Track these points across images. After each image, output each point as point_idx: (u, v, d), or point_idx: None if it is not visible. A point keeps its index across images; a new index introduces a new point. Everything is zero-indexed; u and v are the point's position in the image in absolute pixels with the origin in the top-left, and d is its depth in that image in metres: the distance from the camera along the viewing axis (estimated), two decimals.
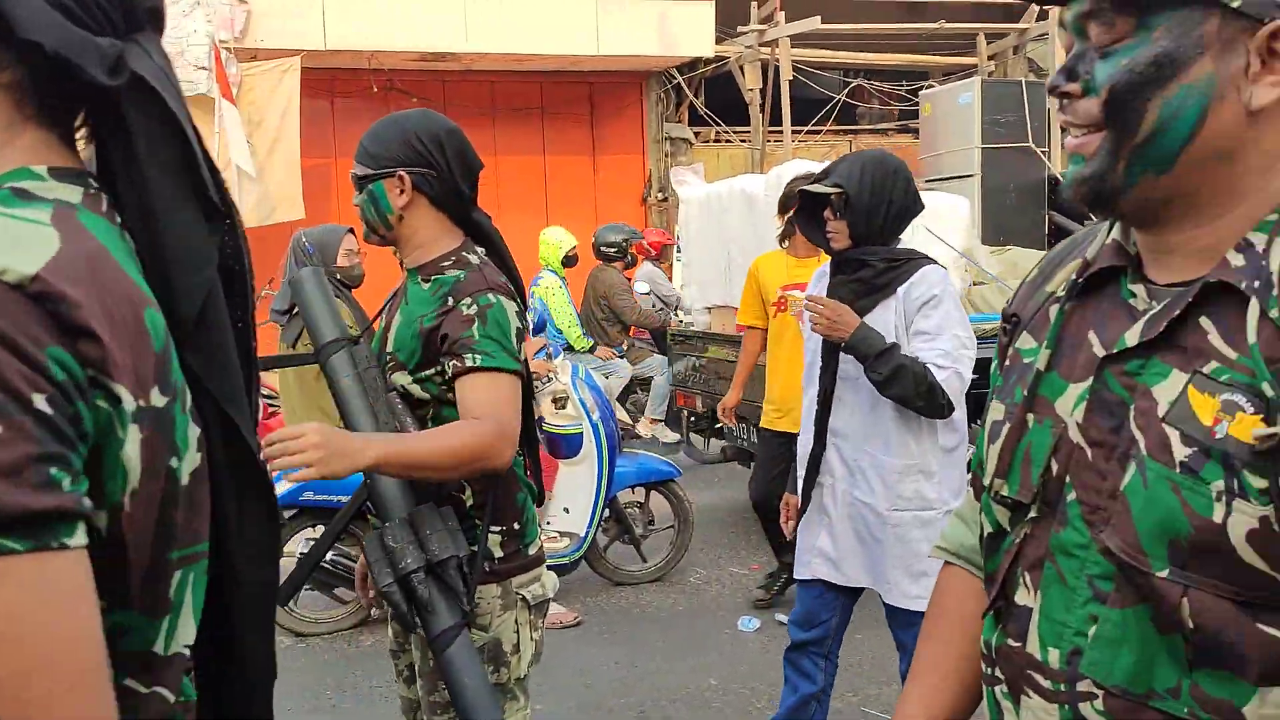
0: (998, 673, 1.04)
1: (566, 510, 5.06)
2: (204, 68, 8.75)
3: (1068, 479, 0.98)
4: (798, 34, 10.34)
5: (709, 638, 4.59)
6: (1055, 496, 0.99)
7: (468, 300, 2.03)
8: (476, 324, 2.00)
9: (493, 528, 2.10)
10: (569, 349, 7.50)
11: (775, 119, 10.68)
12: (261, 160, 9.12)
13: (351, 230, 4.65)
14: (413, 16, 9.40)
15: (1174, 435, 0.89)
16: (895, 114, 12.25)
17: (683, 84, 11.39)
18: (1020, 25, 11.84)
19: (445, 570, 1.92)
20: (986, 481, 1.07)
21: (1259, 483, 0.84)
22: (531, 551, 2.20)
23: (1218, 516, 0.86)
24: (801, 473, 3.01)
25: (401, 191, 2.07)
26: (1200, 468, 0.87)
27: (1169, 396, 0.90)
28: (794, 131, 10.80)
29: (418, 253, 2.14)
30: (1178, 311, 0.91)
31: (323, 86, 9.98)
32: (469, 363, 1.99)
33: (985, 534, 1.10)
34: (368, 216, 2.13)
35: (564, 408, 5.06)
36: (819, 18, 10.15)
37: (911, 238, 6.50)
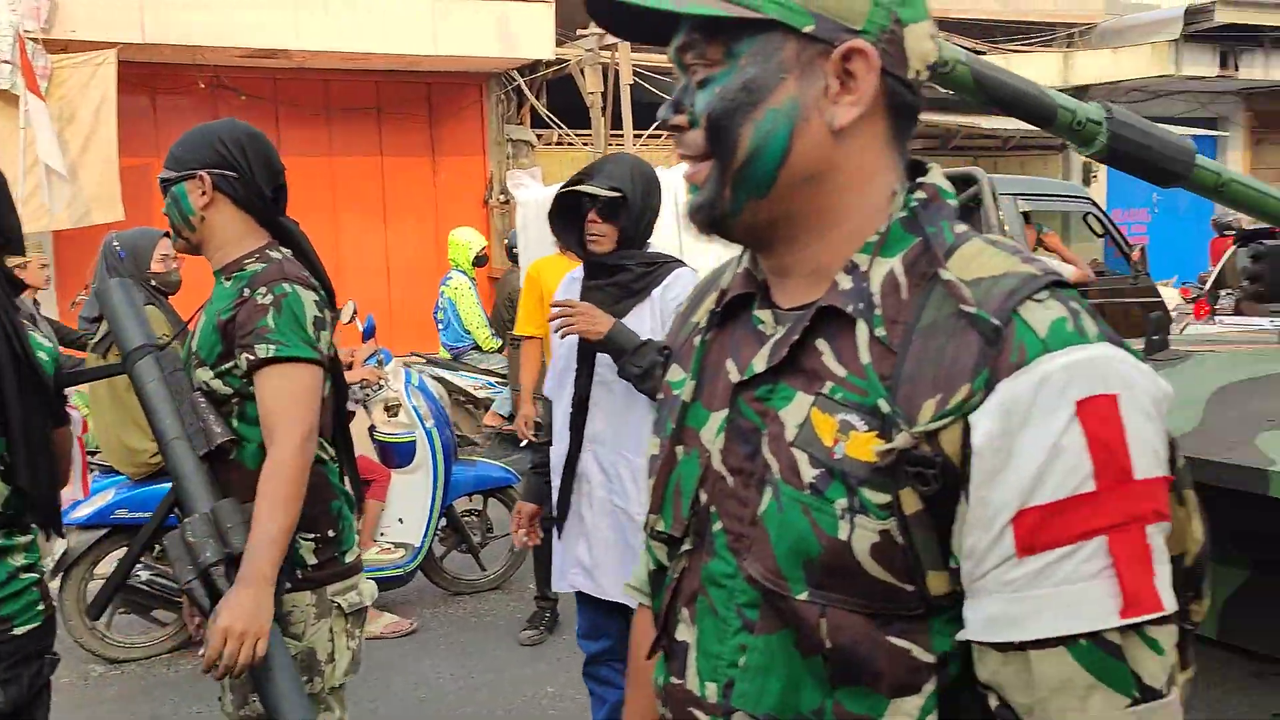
0: (667, 713, 1.03)
1: (401, 520, 4.94)
2: (8, 61, 8.21)
3: (713, 509, 0.98)
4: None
5: (547, 646, 4.56)
6: (704, 527, 0.99)
7: (263, 290, 2.03)
8: (271, 312, 2.01)
9: (305, 535, 2.08)
10: (477, 349, 7.42)
11: (617, 122, 10.73)
12: (74, 158, 8.61)
13: (168, 234, 4.43)
14: (239, 11, 9.04)
15: (802, 458, 0.90)
16: None
17: (523, 86, 11.32)
18: None
19: None
20: (644, 519, 1.08)
21: (879, 498, 0.86)
22: (349, 559, 2.19)
23: (843, 534, 0.87)
24: (557, 482, 2.93)
25: (203, 193, 2.10)
26: (826, 488, 0.88)
27: (796, 420, 0.92)
28: (635, 135, 10.87)
29: (221, 253, 2.15)
30: (796, 336, 0.93)
31: (143, 82, 9.49)
32: (261, 353, 1.99)
33: (651, 572, 1.10)
34: (172, 218, 2.16)
35: (396, 415, 4.95)
36: None
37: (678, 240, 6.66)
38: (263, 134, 2.18)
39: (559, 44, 10.68)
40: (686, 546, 1.01)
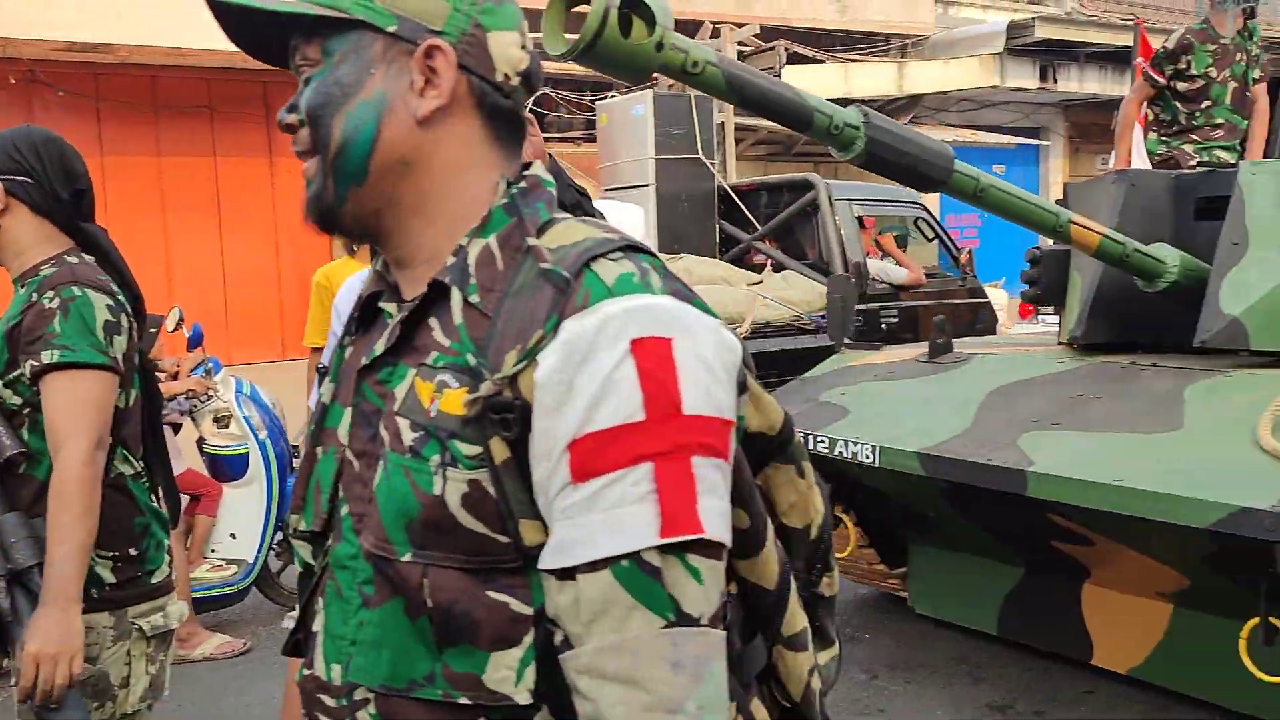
0: (304, 709, 1.05)
1: (233, 535, 4.76)
2: None
3: (342, 495, 1.02)
4: None
5: None
6: (336, 516, 1.03)
7: (50, 294, 1.97)
8: (58, 317, 1.94)
9: (103, 553, 1.99)
10: None
11: None
12: None
13: None
14: (55, 1, 8.55)
15: (404, 424, 0.95)
16: (582, 123, 12.50)
17: None
18: (696, 40, 12.42)
19: (30, 579, 1.88)
20: (288, 522, 1.11)
21: (469, 450, 0.90)
22: (155, 580, 2.11)
23: (438, 489, 0.92)
24: None
25: None
26: (423, 448, 0.93)
27: (403, 391, 0.97)
28: None
29: (19, 261, 2.09)
30: (406, 314, 1.00)
31: None
32: (46, 359, 1.92)
33: (299, 574, 1.13)
34: None
35: (227, 427, 4.76)
36: None
37: None
38: (60, 138, 2.14)
39: None
40: (330, 542, 1.04)
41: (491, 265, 0.97)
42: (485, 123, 1.02)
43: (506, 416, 0.89)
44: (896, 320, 7.15)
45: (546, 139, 12.46)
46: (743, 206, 7.76)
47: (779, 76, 12.29)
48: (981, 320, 7.66)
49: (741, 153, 13.07)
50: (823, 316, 6.47)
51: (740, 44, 12.22)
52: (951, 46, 13.83)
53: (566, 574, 0.86)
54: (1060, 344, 4.08)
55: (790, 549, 1.07)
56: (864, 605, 4.83)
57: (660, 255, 5.35)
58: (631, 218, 6.65)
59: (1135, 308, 3.76)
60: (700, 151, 7.78)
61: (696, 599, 0.85)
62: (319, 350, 4.22)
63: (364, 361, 1.02)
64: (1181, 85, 5.11)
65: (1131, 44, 14.26)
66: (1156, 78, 5.19)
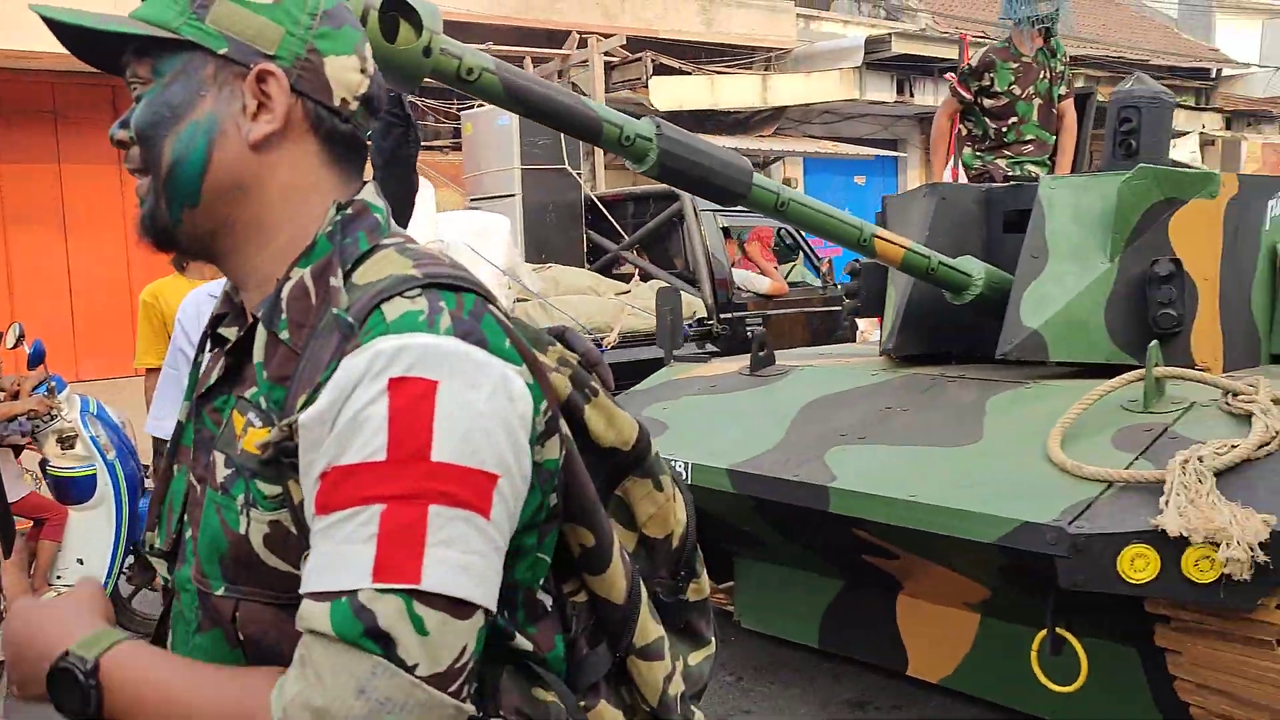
0: None
1: (80, 561, 4.55)
2: None
3: (187, 517, 1.03)
4: None
5: None
6: (184, 538, 1.04)
7: None
8: None
9: None
10: None
11: None
12: None
13: None
14: None
15: (220, 459, 0.97)
16: (449, 131, 12.39)
17: None
18: (563, 51, 12.45)
19: None
20: (145, 539, 1.13)
21: (269, 490, 0.92)
22: None
23: (243, 529, 0.93)
24: None
25: None
26: (232, 486, 0.95)
27: (225, 424, 0.99)
28: None
29: None
30: (229, 345, 1.02)
31: None
32: None
33: (162, 592, 1.14)
34: None
35: (72, 447, 4.56)
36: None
37: (456, 256, 6.63)
38: None
39: None
40: (178, 562, 1.05)
41: (305, 299, 0.96)
42: (322, 147, 1.02)
43: (295, 460, 0.89)
44: (761, 328, 7.30)
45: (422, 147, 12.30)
46: (610, 217, 7.82)
47: (645, 87, 12.43)
48: (841, 328, 7.89)
49: (609, 162, 13.17)
50: (689, 325, 6.57)
51: (607, 54, 12.31)
52: (813, 60, 14.21)
53: (304, 598, 0.86)
54: (880, 355, 4.13)
55: (653, 558, 1.11)
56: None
57: (529, 264, 5.35)
58: (498, 227, 6.62)
59: (947, 320, 3.77)
60: (566, 162, 7.81)
61: (412, 648, 0.83)
62: (155, 370, 3.91)
63: (201, 390, 1.04)
64: (988, 102, 5.17)
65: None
66: (963, 93, 5.26)
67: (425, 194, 6.47)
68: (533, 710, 0.96)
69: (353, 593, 0.83)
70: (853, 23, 15.74)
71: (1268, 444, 2.58)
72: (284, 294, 0.97)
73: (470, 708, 0.87)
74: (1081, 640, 2.70)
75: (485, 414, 0.88)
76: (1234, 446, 2.54)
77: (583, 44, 12.21)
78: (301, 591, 0.87)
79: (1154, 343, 2.95)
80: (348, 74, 1.03)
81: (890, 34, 14.01)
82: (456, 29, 12.05)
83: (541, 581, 1.00)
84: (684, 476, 3.40)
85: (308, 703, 0.82)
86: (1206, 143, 18.61)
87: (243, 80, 0.99)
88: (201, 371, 1.09)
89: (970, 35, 16.27)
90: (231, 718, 0.87)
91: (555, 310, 6.20)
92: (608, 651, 1.06)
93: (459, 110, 11.76)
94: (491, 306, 0.96)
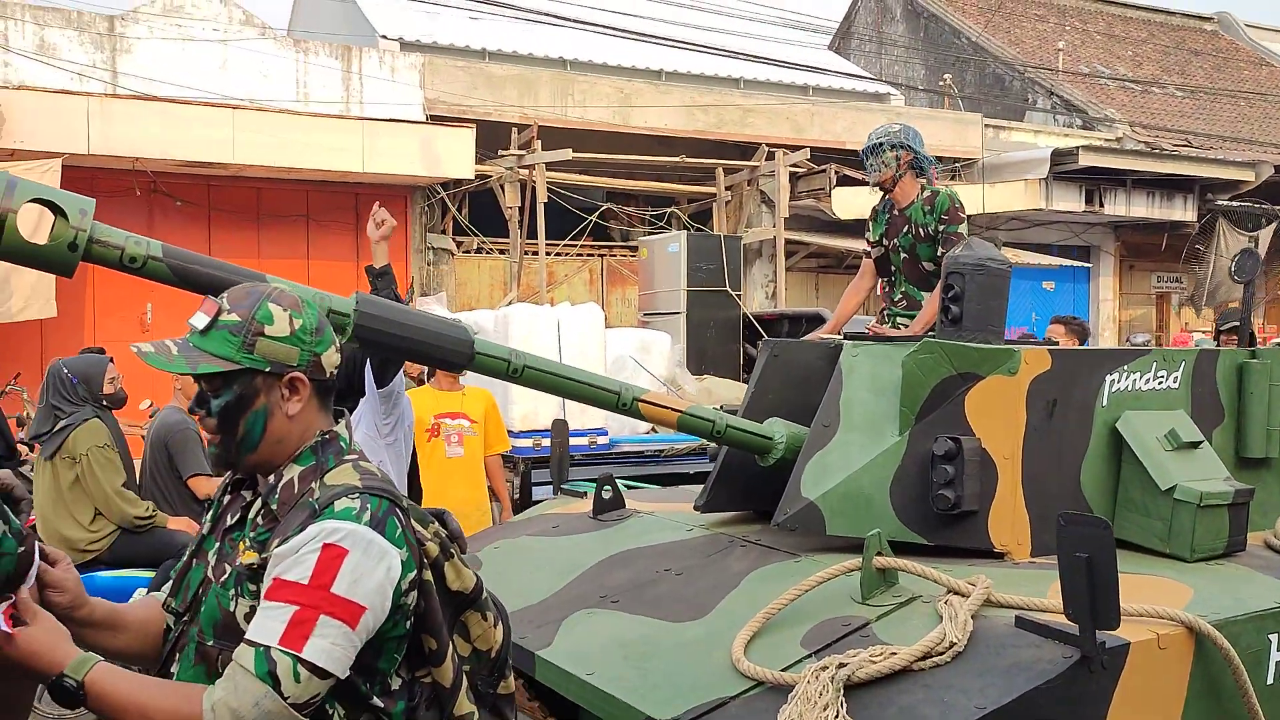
0: None
1: None
2: None
3: (204, 597, 1.77)
4: (552, 161, 11.39)
5: None
6: (197, 608, 1.78)
7: None
8: None
9: None
10: None
11: (532, 233, 11.63)
12: None
13: (111, 359, 5.23)
14: (182, 129, 9.81)
15: (226, 567, 1.73)
16: (641, 233, 13.45)
17: (446, 199, 12.20)
18: (751, 163, 13.33)
19: None
20: (164, 599, 1.89)
21: (252, 587, 1.68)
22: None
23: (232, 607, 1.69)
24: None
25: None
26: (230, 582, 1.72)
27: (234, 548, 1.78)
28: (549, 245, 11.77)
29: None
30: (243, 506, 1.81)
31: (83, 184, 10.15)
32: None
33: (165, 632, 1.87)
34: None
35: None
36: (570, 149, 11.24)
37: (621, 370, 7.51)
38: None
39: (479, 161, 11.61)
40: (186, 619, 1.79)
41: (290, 488, 1.74)
42: (317, 398, 1.79)
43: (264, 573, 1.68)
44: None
45: (609, 247, 13.45)
46: (764, 333, 8.56)
47: (829, 196, 13.09)
48: None
49: (793, 265, 13.88)
50: None
51: (793, 166, 13.09)
52: (999, 170, 14.50)
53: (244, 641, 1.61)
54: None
55: (479, 662, 1.86)
56: None
57: (689, 374, 6.07)
58: (659, 343, 7.48)
59: (759, 479, 3.50)
60: (727, 284, 8.64)
61: (290, 687, 1.55)
62: None
63: (228, 523, 1.79)
64: (874, 251, 4.73)
65: (1180, 172, 14.78)
66: (868, 236, 4.77)
67: (594, 316, 7.41)
68: None
69: (267, 647, 1.55)
70: (1045, 132, 15.89)
71: (935, 655, 2.35)
72: (280, 484, 1.74)
73: None
74: None
75: (369, 573, 1.61)
76: (893, 654, 2.34)
77: (770, 156, 13.05)
78: (243, 639, 1.59)
79: (875, 531, 2.80)
80: (332, 357, 1.81)
81: (1078, 148, 14.14)
82: (658, 142, 13.17)
83: (393, 669, 1.72)
84: None
85: (227, 704, 1.53)
86: None
87: (280, 380, 1.75)
88: (221, 510, 1.82)
89: (1170, 144, 16.11)
90: (177, 711, 1.55)
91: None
92: (435, 716, 1.76)
93: (651, 218, 12.80)
94: (396, 509, 1.68)
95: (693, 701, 2.43)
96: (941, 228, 4.43)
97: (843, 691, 2.26)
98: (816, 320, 8.04)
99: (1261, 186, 15.25)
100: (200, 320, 1.75)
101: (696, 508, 3.68)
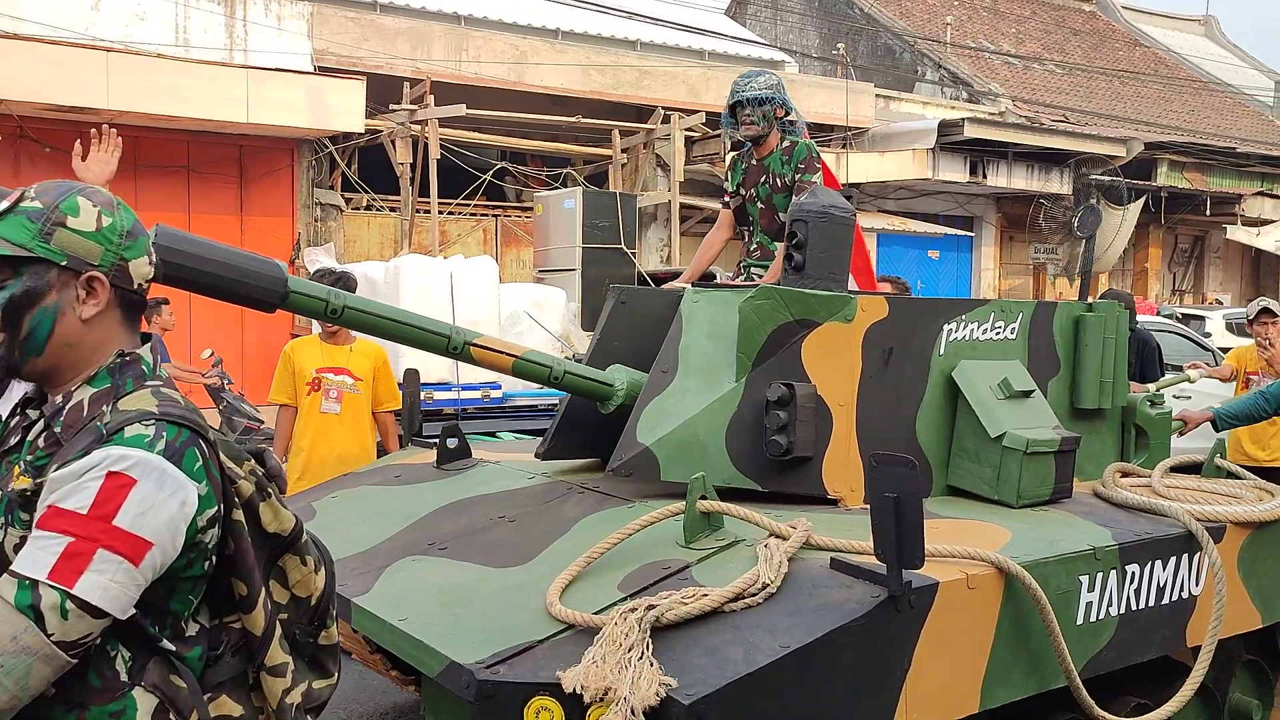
0: None
1: None
2: None
3: None
4: (446, 117, 11.18)
5: None
6: None
7: None
8: None
9: None
10: None
11: (424, 190, 11.41)
12: None
13: None
14: (50, 70, 9.32)
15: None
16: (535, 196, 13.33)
17: (335, 153, 11.87)
18: (648, 125, 13.31)
19: None
20: None
21: (24, 517, 1.48)
22: None
23: (2, 539, 1.49)
24: None
25: None
26: (0, 510, 1.52)
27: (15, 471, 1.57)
28: (441, 202, 11.57)
29: None
30: (25, 425, 1.61)
31: None
32: None
33: None
34: None
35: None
36: (464, 105, 11.04)
37: (515, 325, 7.45)
38: None
39: (370, 115, 11.32)
40: None
41: (79, 410, 1.54)
42: (121, 313, 1.59)
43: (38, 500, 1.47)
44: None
45: (503, 208, 13.30)
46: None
47: (724, 161, 13.17)
48: None
49: (688, 229, 13.94)
50: None
51: (689, 130, 13.12)
52: (888, 140, 14.80)
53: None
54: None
55: (298, 610, 1.71)
56: None
57: (584, 331, 5.99)
58: (554, 300, 7.43)
59: (601, 426, 3.44)
60: (623, 242, 8.63)
61: (55, 624, 1.38)
62: (285, 406, 5.03)
63: (9, 445, 1.58)
64: (732, 200, 4.66)
65: (1058, 146, 15.31)
66: (726, 186, 4.72)
67: (489, 270, 7.32)
68: (167, 688, 1.51)
69: (34, 581, 1.38)
70: (932, 104, 16.27)
71: (748, 596, 2.32)
72: (68, 405, 1.54)
73: (75, 661, 1.41)
74: None
75: (158, 507, 1.43)
76: (704, 596, 2.30)
77: (666, 120, 13.06)
78: (8, 570, 1.41)
79: (699, 475, 2.72)
80: (142, 268, 1.60)
81: (964, 119, 14.52)
82: (554, 101, 13.04)
83: (188, 612, 1.56)
84: None
85: None
86: None
87: (76, 279, 1.53)
88: (6, 431, 1.60)
89: (1049, 119, 16.68)
90: None
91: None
92: (241, 664, 1.60)
93: (547, 176, 12.70)
94: (200, 440, 1.51)
95: (500, 646, 2.35)
96: (797, 176, 4.39)
97: (649, 633, 2.21)
98: (710, 278, 8.07)
99: (1131, 162, 15.90)
100: None
101: (538, 455, 3.61)
